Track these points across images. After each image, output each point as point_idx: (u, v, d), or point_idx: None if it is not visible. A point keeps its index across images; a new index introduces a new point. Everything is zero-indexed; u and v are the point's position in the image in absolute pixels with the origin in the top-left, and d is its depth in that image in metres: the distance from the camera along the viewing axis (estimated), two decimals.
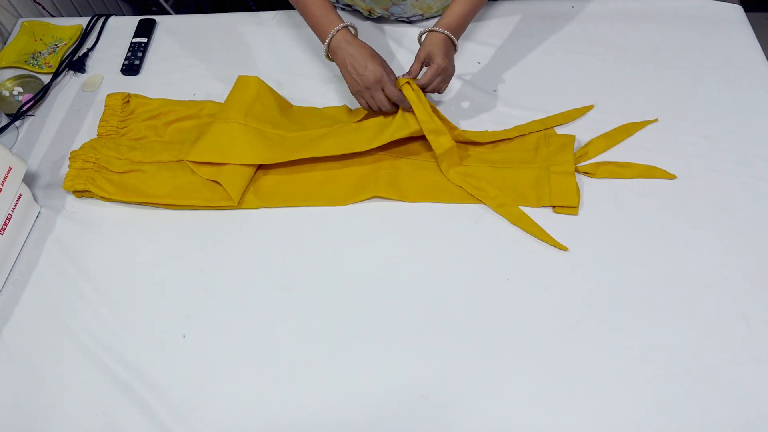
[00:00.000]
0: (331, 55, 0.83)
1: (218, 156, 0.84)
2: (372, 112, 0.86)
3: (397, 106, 0.83)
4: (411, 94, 0.81)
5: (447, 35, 0.80)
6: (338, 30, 0.79)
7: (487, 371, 0.69)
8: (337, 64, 0.82)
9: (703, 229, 0.78)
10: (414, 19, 1.05)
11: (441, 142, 0.81)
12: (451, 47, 0.82)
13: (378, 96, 0.80)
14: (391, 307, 0.74)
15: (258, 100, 0.90)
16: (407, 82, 0.81)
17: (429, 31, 0.81)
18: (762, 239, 0.77)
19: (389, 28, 1.06)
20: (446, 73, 0.81)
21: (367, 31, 1.06)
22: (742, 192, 0.81)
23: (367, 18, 1.07)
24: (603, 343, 0.70)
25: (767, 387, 0.66)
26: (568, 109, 0.91)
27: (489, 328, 0.72)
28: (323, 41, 0.81)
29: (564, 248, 0.76)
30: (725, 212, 0.79)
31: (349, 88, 0.84)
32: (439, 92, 0.84)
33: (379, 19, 1.07)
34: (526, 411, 0.66)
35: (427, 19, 1.06)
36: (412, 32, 1.05)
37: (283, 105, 0.94)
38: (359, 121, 0.89)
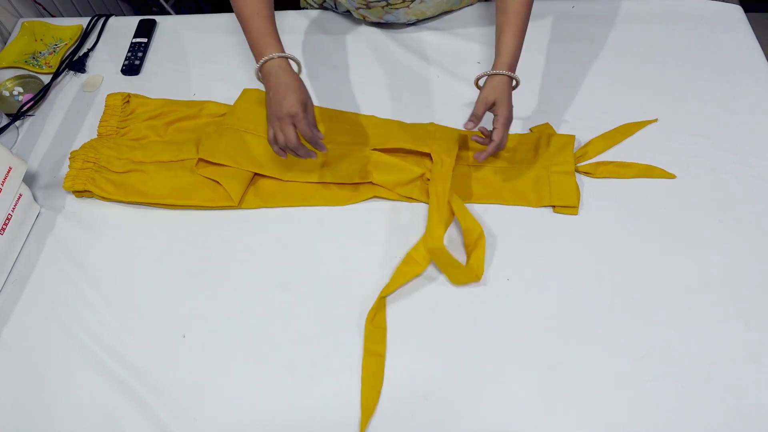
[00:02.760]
0: (262, 77, 0.77)
1: (231, 161, 0.84)
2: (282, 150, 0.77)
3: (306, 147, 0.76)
4: (433, 196, 0.79)
5: (511, 76, 0.78)
6: (277, 57, 0.75)
7: (487, 371, 0.69)
8: (265, 88, 0.77)
9: (703, 228, 0.78)
10: (409, 23, 1.05)
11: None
12: (511, 89, 0.79)
13: (287, 129, 0.73)
14: (391, 308, 0.74)
15: None
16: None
17: (493, 74, 0.78)
18: (762, 239, 0.77)
19: (388, 31, 1.05)
20: (509, 123, 0.79)
21: (366, 32, 1.06)
22: (742, 192, 0.81)
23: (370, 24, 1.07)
24: (603, 343, 0.70)
25: (767, 387, 0.66)
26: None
27: (489, 328, 0.72)
28: (257, 61, 0.76)
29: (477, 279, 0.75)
30: (725, 212, 0.79)
31: (266, 115, 0.78)
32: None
33: (375, 24, 1.07)
34: (526, 411, 0.66)
35: (423, 21, 1.06)
36: (410, 33, 1.05)
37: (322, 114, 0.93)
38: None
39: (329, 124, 0.91)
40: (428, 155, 0.85)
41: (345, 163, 0.85)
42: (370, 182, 0.84)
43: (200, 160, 0.85)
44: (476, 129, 0.79)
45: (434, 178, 0.81)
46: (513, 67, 0.78)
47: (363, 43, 1.04)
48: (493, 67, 0.78)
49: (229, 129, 0.87)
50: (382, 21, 1.04)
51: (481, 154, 0.78)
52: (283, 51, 0.76)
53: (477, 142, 0.81)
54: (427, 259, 0.76)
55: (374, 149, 0.86)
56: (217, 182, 0.84)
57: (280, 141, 0.74)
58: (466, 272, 0.75)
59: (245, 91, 0.94)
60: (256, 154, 0.85)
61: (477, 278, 0.74)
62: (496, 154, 0.83)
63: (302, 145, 0.74)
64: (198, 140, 0.89)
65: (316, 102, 0.96)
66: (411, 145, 0.85)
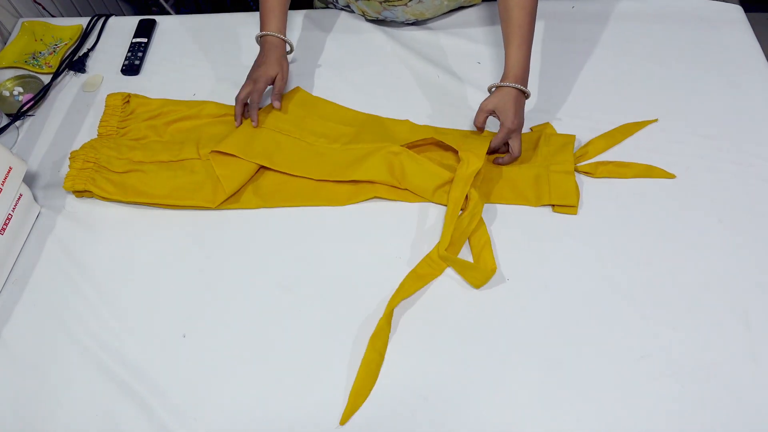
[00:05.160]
0: (260, 42, 0.92)
1: (267, 161, 0.85)
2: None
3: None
4: (454, 197, 0.79)
5: (519, 89, 0.79)
6: (277, 36, 0.90)
7: (487, 371, 0.69)
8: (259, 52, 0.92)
9: (703, 228, 0.78)
10: (408, 22, 1.05)
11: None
12: (522, 100, 0.81)
13: (245, 88, 0.87)
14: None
15: (303, 109, 0.94)
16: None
17: (499, 86, 0.80)
18: (762, 239, 0.77)
19: (388, 30, 1.06)
20: (518, 132, 0.81)
21: (367, 32, 1.06)
22: (742, 192, 0.81)
23: (366, 20, 1.07)
24: (603, 343, 0.70)
25: (767, 387, 0.66)
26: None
27: (489, 329, 0.72)
28: (261, 29, 0.91)
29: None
30: (725, 212, 0.79)
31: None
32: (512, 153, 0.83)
33: (375, 22, 1.07)
34: (526, 411, 0.66)
35: (423, 22, 1.06)
36: (410, 33, 1.05)
37: (334, 111, 0.95)
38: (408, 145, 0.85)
39: (358, 128, 0.91)
40: (455, 152, 0.83)
41: (372, 161, 0.83)
42: (372, 182, 0.84)
43: (218, 151, 0.84)
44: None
45: (456, 180, 0.79)
46: (520, 78, 0.79)
47: (363, 43, 1.05)
48: (501, 80, 0.80)
49: (264, 130, 0.88)
50: (380, 17, 1.04)
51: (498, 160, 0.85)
52: (283, 30, 0.92)
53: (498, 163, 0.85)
54: (441, 265, 0.76)
55: (403, 145, 0.83)
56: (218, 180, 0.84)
57: (242, 92, 0.87)
58: (482, 271, 0.74)
59: (288, 93, 0.96)
60: (290, 154, 0.86)
61: (493, 271, 0.74)
62: (489, 156, 0.86)
63: (240, 104, 0.87)
64: (199, 139, 0.90)
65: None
66: (440, 137, 0.84)
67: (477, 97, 0.94)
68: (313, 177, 0.85)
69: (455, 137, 0.87)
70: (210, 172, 0.86)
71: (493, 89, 0.81)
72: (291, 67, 1.02)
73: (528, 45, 0.80)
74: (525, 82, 0.80)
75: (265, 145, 0.86)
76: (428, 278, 0.76)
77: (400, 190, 0.84)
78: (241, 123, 0.89)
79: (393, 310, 0.73)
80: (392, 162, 0.83)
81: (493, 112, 0.80)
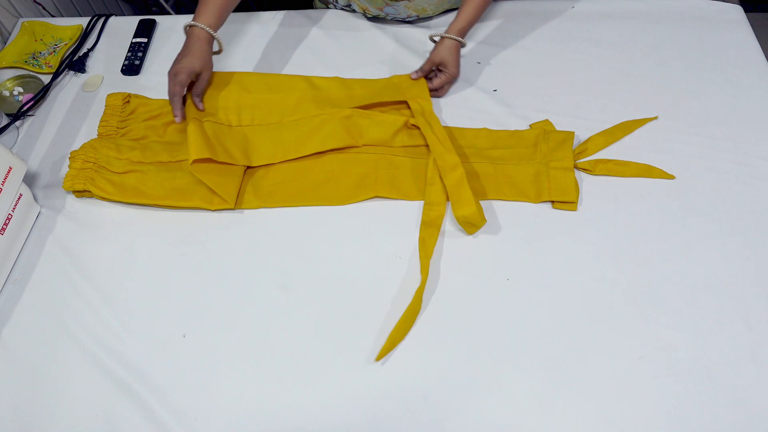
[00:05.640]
0: (186, 33, 0.89)
1: (215, 153, 0.83)
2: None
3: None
4: (428, 132, 0.85)
5: (459, 41, 0.90)
6: (204, 29, 0.86)
7: (486, 371, 0.69)
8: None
9: (702, 228, 0.78)
10: (410, 19, 1.05)
11: (453, 177, 0.81)
12: (460, 51, 0.92)
13: (170, 82, 0.87)
14: (390, 308, 0.74)
15: (241, 87, 0.95)
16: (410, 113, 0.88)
17: (443, 37, 0.91)
18: (762, 239, 0.77)
19: (388, 29, 1.06)
20: (455, 80, 0.94)
21: (366, 31, 1.06)
22: (742, 192, 0.81)
23: (366, 18, 1.07)
24: (603, 343, 0.70)
25: (767, 387, 0.66)
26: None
27: (489, 328, 0.72)
28: (192, 20, 0.87)
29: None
30: (725, 212, 0.79)
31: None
32: (440, 96, 0.94)
33: (376, 19, 1.07)
34: (526, 411, 0.66)
35: (423, 20, 1.06)
36: (410, 32, 1.05)
37: (271, 81, 0.97)
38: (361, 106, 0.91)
39: (286, 93, 0.94)
40: (404, 103, 0.92)
41: (329, 128, 0.88)
42: (373, 181, 0.85)
43: (194, 161, 0.83)
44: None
45: (422, 123, 0.87)
46: (464, 33, 0.91)
47: (363, 43, 1.04)
48: (447, 31, 0.90)
49: (206, 123, 0.88)
50: (382, 14, 1.04)
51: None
52: (215, 26, 0.87)
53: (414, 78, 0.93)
54: (443, 198, 0.81)
55: (353, 108, 0.90)
56: (212, 189, 0.83)
57: (168, 91, 0.87)
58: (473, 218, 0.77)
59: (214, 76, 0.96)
60: (238, 144, 0.87)
61: (476, 216, 0.78)
62: (497, 151, 0.88)
63: (175, 102, 0.87)
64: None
65: None
66: (386, 97, 0.92)
67: (477, 97, 0.94)
68: (274, 160, 0.87)
69: (389, 89, 0.94)
70: None
71: (437, 38, 0.92)
72: (289, 68, 1.02)
73: (480, 10, 0.91)
74: (466, 34, 0.91)
75: (233, 140, 0.87)
76: (438, 221, 0.80)
77: (400, 189, 0.84)
78: (183, 118, 0.89)
79: (429, 262, 0.76)
80: (347, 125, 0.88)
81: (441, 63, 0.91)
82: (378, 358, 0.70)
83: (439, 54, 0.91)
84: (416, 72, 0.93)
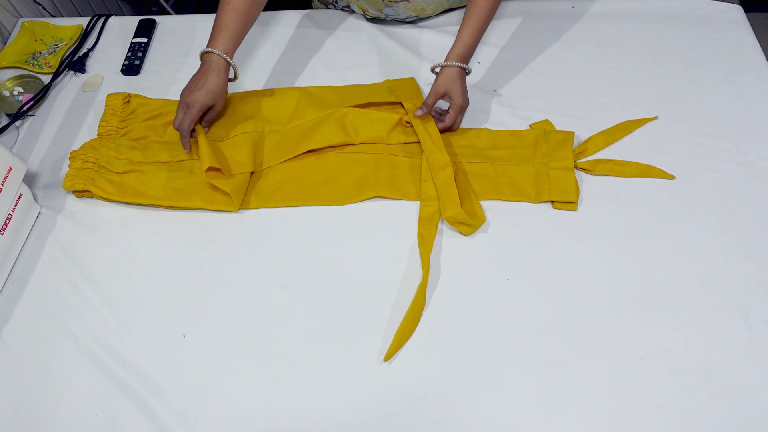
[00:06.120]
0: (202, 59, 0.85)
1: (225, 169, 0.84)
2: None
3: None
4: (421, 130, 0.86)
5: (462, 68, 0.84)
6: (221, 56, 0.83)
7: (486, 371, 0.69)
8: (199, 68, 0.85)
9: (702, 228, 0.78)
10: (410, 20, 1.05)
11: (442, 176, 0.82)
12: (465, 78, 0.86)
13: (180, 113, 0.84)
14: (390, 307, 0.74)
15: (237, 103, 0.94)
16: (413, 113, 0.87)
17: (444, 66, 0.85)
18: (762, 239, 0.77)
19: (388, 29, 1.06)
20: (464, 110, 0.87)
21: (366, 31, 1.06)
22: (742, 192, 0.81)
23: (365, 19, 1.07)
24: (603, 343, 0.70)
25: (767, 387, 0.66)
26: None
27: (489, 328, 0.72)
28: (207, 45, 0.84)
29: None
30: (725, 212, 0.79)
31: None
32: (453, 130, 0.89)
33: (376, 20, 1.07)
34: (526, 411, 0.66)
35: (423, 19, 1.06)
36: (409, 32, 1.05)
37: (266, 95, 0.97)
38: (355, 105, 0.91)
39: (283, 101, 0.94)
40: (399, 104, 0.92)
41: (325, 127, 0.88)
42: (372, 184, 0.85)
43: (210, 168, 0.83)
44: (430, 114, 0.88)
45: (415, 121, 0.86)
46: (466, 58, 0.84)
47: (363, 43, 1.04)
48: (447, 59, 0.85)
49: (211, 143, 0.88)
50: (381, 15, 1.04)
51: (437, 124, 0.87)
52: (231, 51, 0.84)
53: (432, 116, 0.88)
54: (435, 199, 0.81)
55: (349, 107, 0.89)
56: (220, 192, 0.83)
57: (176, 119, 0.84)
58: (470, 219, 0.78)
59: None
60: (246, 151, 0.87)
61: (481, 219, 0.79)
62: (497, 151, 0.87)
63: (184, 135, 0.84)
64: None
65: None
66: (380, 98, 0.92)
67: (477, 97, 0.94)
68: (287, 157, 0.87)
69: (381, 92, 0.94)
70: None
71: (438, 69, 0.86)
72: (289, 68, 1.02)
73: (481, 31, 0.85)
74: (468, 60, 0.85)
75: (236, 148, 0.87)
76: (435, 217, 0.80)
77: (399, 189, 0.84)
78: (190, 149, 0.86)
79: (429, 258, 0.76)
80: (343, 123, 0.88)
81: (445, 94, 0.85)
82: (386, 358, 0.70)
83: (442, 84, 0.84)
84: (421, 108, 0.86)
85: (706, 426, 0.64)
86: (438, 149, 0.83)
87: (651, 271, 0.75)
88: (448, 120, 0.86)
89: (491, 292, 0.75)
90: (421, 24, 1.06)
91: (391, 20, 1.06)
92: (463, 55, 0.84)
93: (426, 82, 0.98)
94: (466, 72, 0.85)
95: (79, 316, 0.76)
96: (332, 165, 0.87)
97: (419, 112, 0.86)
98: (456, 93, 0.84)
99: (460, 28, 0.85)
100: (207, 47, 0.83)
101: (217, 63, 0.83)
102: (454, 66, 0.84)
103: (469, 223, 0.78)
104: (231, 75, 0.88)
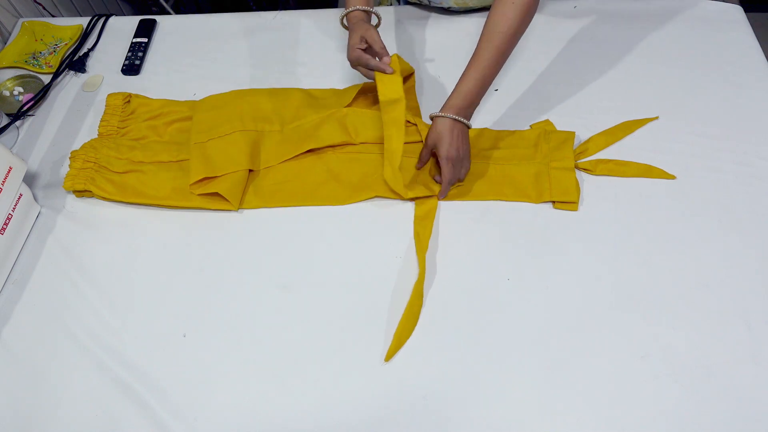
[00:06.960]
0: (342, 23, 0.88)
1: (217, 170, 0.84)
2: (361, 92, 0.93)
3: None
4: (395, 75, 0.83)
5: (454, 119, 0.78)
6: (358, 9, 0.84)
7: (486, 371, 0.69)
8: None
9: (703, 228, 0.78)
10: (454, 9, 1.05)
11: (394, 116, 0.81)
12: (461, 129, 0.79)
13: (360, 71, 0.85)
14: (390, 308, 0.74)
15: (243, 101, 0.94)
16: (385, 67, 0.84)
17: (434, 117, 0.79)
18: (762, 239, 0.77)
19: (390, 26, 1.05)
20: (458, 160, 0.79)
21: (407, 13, 1.07)
22: (742, 192, 0.81)
23: (407, 2, 1.07)
24: (603, 343, 0.70)
25: (767, 387, 0.66)
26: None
27: (489, 328, 0.72)
28: (345, 8, 0.86)
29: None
30: (725, 212, 0.79)
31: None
32: (460, 180, 0.83)
33: (419, 5, 1.07)
34: (526, 411, 0.66)
35: (465, 12, 1.05)
36: (449, 22, 1.05)
37: (271, 93, 0.96)
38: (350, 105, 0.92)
39: (285, 101, 0.94)
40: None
41: (326, 127, 0.88)
42: (372, 183, 0.85)
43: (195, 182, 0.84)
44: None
45: (414, 120, 0.87)
46: (457, 109, 0.78)
47: (402, 23, 1.04)
48: (442, 108, 0.79)
49: (209, 141, 0.87)
50: (426, 1, 1.04)
51: (441, 193, 0.83)
52: (368, 3, 0.86)
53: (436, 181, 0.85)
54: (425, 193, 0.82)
55: (347, 106, 0.90)
56: (219, 195, 0.83)
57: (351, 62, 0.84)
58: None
59: (196, 105, 0.94)
60: (244, 149, 0.86)
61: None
62: (497, 151, 0.87)
63: (370, 65, 0.81)
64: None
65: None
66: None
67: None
68: (291, 155, 0.88)
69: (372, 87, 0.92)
70: None
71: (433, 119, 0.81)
72: (289, 68, 1.02)
73: (484, 79, 0.78)
74: (465, 112, 0.78)
75: (237, 147, 0.86)
76: (431, 213, 0.81)
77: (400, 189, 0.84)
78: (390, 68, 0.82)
79: (425, 256, 0.76)
80: (343, 123, 0.88)
81: (434, 145, 0.80)
82: (387, 358, 0.70)
83: (430, 137, 0.79)
84: (417, 164, 0.85)
85: (706, 426, 0.64)
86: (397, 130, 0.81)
87: (651, 271, 0.75)
88: (442, 175, 0.79)
89: (492, 291, 0.75)
90: (463, 16, 1.05)
91: (434, 6, 1.05)
92: (457, 106, 0.78)
93: (421, 83, 0.98)
94: (463, 124, 0.79)
95: (79, 316, 0.76)
96: (332, 165, 0.87)
97: (418, 166, 0.85)
98: (442, 144, 0.78)
99: (459, 79, 0.79)
100: (349, 6, 0.85)
101: (355, 16, 0.85)
102: (444, 117, 0.78)
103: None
104: (374, 22, 0.87)
